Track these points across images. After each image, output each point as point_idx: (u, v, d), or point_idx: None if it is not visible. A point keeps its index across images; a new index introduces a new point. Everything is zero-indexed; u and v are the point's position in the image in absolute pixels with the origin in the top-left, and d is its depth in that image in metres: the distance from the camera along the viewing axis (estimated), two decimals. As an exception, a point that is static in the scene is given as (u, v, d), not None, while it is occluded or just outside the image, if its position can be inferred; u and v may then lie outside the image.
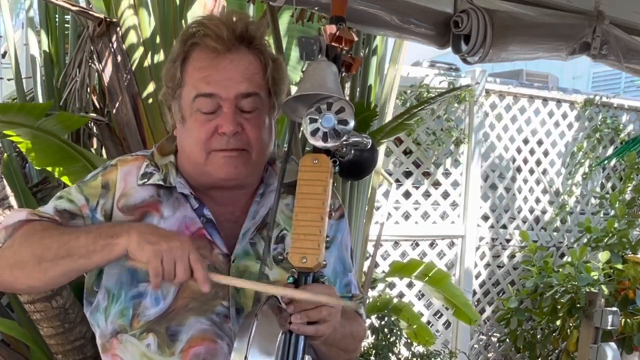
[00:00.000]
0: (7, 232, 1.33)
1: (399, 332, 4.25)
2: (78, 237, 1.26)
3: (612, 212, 5.71)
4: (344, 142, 1.24)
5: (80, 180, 1.43)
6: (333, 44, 1.31)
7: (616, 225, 5.15)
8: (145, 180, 1.39)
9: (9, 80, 4.37)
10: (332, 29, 1.32)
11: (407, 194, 5.36)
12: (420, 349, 4.54)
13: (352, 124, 1.22)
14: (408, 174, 5.40)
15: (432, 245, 5.44)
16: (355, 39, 1.37)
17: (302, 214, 1.25)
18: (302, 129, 1.28)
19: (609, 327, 4.13)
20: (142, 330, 1.36)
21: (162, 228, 1.32)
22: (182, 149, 1.40)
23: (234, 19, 1.35)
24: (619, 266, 4.75)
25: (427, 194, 5.41)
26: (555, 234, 5.99)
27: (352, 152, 1.30)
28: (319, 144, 1.24)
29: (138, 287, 1.35)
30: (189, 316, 1.34)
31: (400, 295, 5.22)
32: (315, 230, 1.24)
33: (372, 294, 4.67)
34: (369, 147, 1.34)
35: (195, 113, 1.33)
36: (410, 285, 5.26)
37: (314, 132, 1.24)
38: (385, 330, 4.22)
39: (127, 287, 1.36)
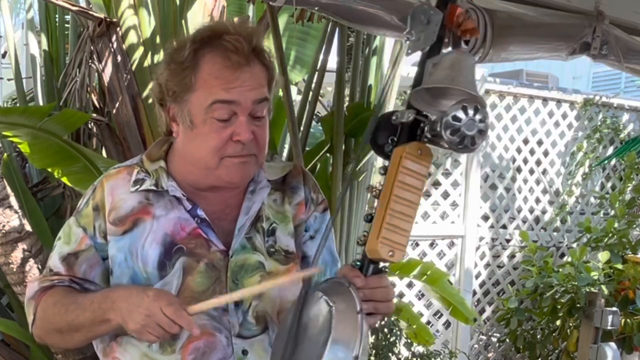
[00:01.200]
0: (32, 304, 1.45)
1: (398, 332, 4.24)
2: (78, 315, 1.36)
3: (612, 212, 5.71)
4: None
5: (76, 211, 1.48)
6: (455, 29, 1.22)
7: (616, 225, 5.15)
8: (138, 186, 1.42)
9: (9, 80, 4.37)
10: (459, 10, 1.22)
11: (407, 194, 5.35)
12: (420, 349, 4.54)
13: (485, 136, 1.17)
14: (408, 174, 5.39)
15: (432, 245, 5.44)
16: (478, 32, 1.26)
17: (399, 205, 1.18)
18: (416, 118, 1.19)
19: (609, 327, 4.13)
20: None
21: (133, 290, 1.32)
22: (188, 153, 1.41)
23: (248, 30, 1.38)
24: (619, 266, 4.75)
25: (427, 194, 5.41)
26: (555, 234, 5.98)
27: None
28: (450, 139, 1.15)
29: None
30: None
31: (400, 295, 5.22)
32: (407, 225, 1.18)
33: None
34: None
35: (209, 120, 1.34)
36: (410, 285, 5.25)
37: (454, 132, 1.15)
38: (385, 330, 4.22)
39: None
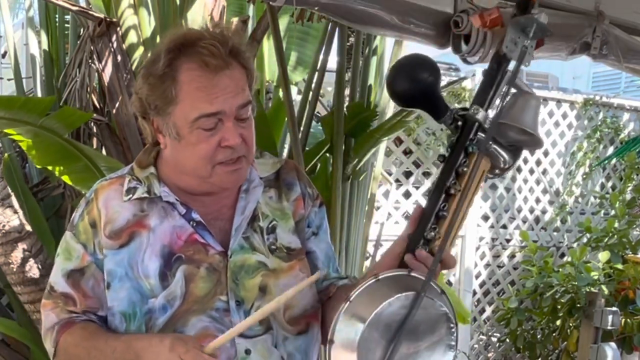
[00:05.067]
0: (50, 336, 1.43)
1: (399, 332, 4.24)
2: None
3: (612, 212, 5.71)
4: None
5: (70, 226, 1.46)
6: None
7: (616, 225, 5.15)
8: (131, 195, 1.41)
9: (9, 80, 4.37)
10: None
11: (407, 194, 5.36)
12: (420, 349, 4.53)
13: None
14: (408, 174, 5.39)
15: (432, 245, 5.43)
16: None
17: (469, 205, 1.29)
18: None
19: (609, 327, 4.13)
20: None
21: (153, 339, 1.33)
22: (179, 163, 1.40)
23: (223, 33, 1.35)
24: (619, 266, 4.75)
25: (427, 194, 5.41)
26: (555, 234, 5.98)
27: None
28: (506, 163, 1.34)
29: (148, 304, 1.38)
30: (191, 317, 1.38)
31: (400, 295, 5.21)
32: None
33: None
34: None
35: (196, 130, 1.33)
36: (410, 285, 5.25)
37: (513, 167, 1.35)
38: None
39: (139, 305, 1.39)
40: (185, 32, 1.37)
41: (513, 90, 1.40)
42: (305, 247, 1.51)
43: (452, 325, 1.21)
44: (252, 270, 1.41)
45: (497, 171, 1.34)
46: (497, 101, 1.35)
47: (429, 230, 1.29)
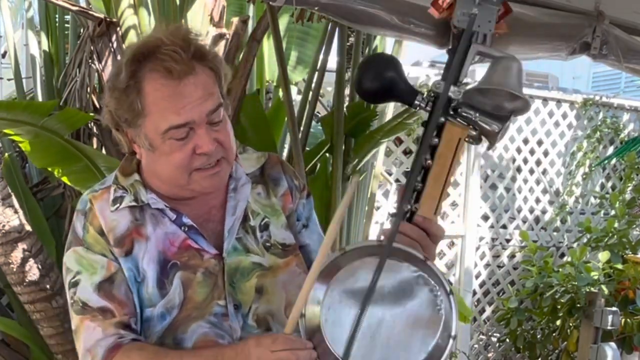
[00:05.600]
0: (90, 358, 1.33)
1: (399, 332, 4.23)
2: None
3: (612, 212, 5.70)
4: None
5: (75, 242, 1.39)
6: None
7: (616, 225, 5.14)
8: (118, 205, 1.38)
9: (9, 80, 4.37)
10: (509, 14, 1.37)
11: (407, 194, 5.35)
12: (420, 348, 4.53)
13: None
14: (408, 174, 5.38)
15: (432, 245, 5.42)
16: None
17: (449, 179, 1.31)
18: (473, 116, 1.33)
19: (609, 327, 4.13)
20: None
21: (237, 349, 1.29)
22: (156, 173, 1.38)
23: (184, 36, 1.32)
24: (619, 266, 4.74)
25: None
26: (555, 234, 5.98)
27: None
28: (494, 129, 1.32)
29: (146, 312, 1.37)
30: (190, 323, 1.37)
31: (400, 295, 5.21)
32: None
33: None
34: None
35: (168, 141, 1.30)
36: (410, 285, 5.25)
37: (505, 130, 1.33)
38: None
39: (139, 311, 1.38)
40: (144, 41, 1.33)
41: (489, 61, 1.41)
42: (298, 242, 1.50)
43: (433, 287, 1.21)
44: (247, 273, 1.40)
45: (490, 138, 1.33)
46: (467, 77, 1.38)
47: (406, 204, 1.30)
